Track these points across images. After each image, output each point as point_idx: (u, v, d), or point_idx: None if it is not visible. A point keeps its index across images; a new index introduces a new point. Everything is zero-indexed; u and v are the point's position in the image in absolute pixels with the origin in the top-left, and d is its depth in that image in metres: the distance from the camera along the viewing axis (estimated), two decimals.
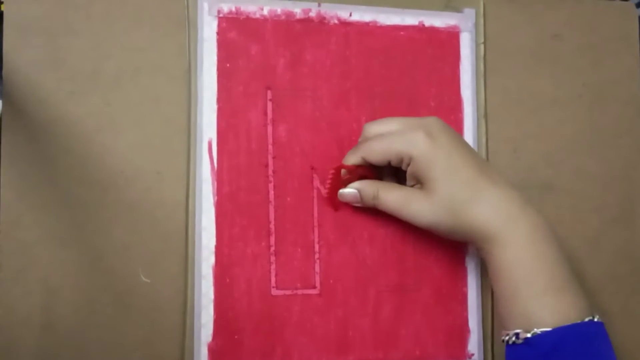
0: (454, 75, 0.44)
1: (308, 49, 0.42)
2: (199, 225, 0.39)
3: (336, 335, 0.40)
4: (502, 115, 0.44)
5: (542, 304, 0.34)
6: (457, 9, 0.44)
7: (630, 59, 0.47)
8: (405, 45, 0.43)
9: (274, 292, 0.40)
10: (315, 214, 0.41)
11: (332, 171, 0.39)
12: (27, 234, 0.37)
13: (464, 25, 0.44)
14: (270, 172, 0.40)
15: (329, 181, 0.39)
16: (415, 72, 0.43)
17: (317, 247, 0.40)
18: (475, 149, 0.43)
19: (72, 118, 0.38)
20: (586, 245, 0.44)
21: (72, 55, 0.39)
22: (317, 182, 0.41)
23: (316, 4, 0.42)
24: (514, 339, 0.34)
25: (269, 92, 0.41)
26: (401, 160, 0.37)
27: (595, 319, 0.34)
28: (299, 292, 0.40)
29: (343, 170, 0.39)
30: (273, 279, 0.40)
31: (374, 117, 0.41)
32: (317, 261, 0.40)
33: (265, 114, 0.41)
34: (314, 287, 0.40)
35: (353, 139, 0.41)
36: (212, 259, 0.39)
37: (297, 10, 0.42)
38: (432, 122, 0.37)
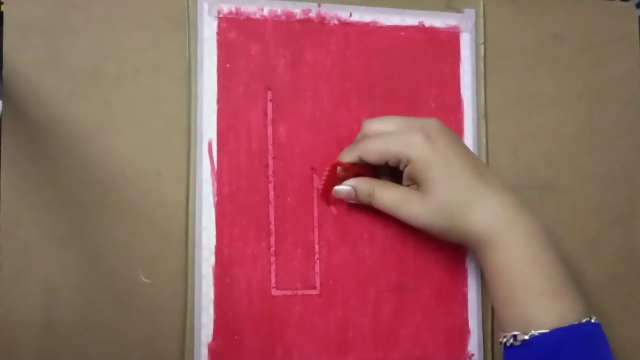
0: (454, 75, 0.44)
1: (308, 50, 0.42)
2: (199, 225, 0.39)
3: (336, 336, 0.40)
4: (502, 115, 0.44)
5: (539, 307, 0.34)
6: (457, 10, 0.44)
7: (630, 59, 0.47)
8: (405, 46, 0.43)
9: (274, 292, 0.40)
10: (316, 215, 0.41)
11: (328, 168, 0.39)
12: (27, 234, 0.37)
13: (464, 26, 0.44)
14: (270, 172, 0.40)
15: (324, 178, 0.39)
16: (416, 73, 0.43)
17: (317, 247, 0.40)
18: (475, 149, 0.43)
19: (72, 118, 0.38)
20: (586, 245, 0.44)
21: (72, 56, 0.39)
22: (317, 183, 0.41)
23: (316, 4, 0.42)
24: (511, 341, 0.34)
25: (269, 93, 0.41)
26: (399, 162, 0.37)
27: (593, 320, 0.34)
28: (299, 292, 0.40)
29: (339, 168, 0.39)
30: (273, 279, 0.40)
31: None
32: (317, 261, 0.40)
33: (266, 114, 0.41)
34: (314, 288, 0.40)
35: (353, 139, 0.41)
36: (212, 259, 0.39)
37: (297, 11, 0.42)
38: (431, 124, 0.37)
